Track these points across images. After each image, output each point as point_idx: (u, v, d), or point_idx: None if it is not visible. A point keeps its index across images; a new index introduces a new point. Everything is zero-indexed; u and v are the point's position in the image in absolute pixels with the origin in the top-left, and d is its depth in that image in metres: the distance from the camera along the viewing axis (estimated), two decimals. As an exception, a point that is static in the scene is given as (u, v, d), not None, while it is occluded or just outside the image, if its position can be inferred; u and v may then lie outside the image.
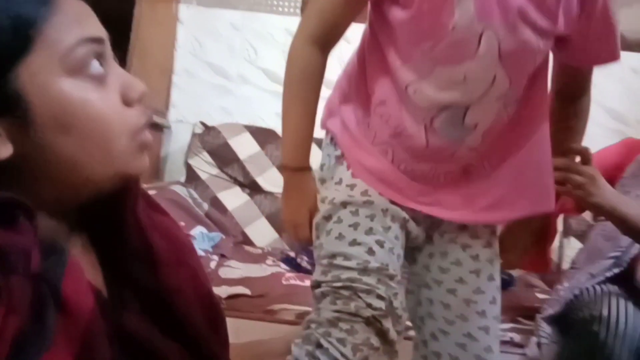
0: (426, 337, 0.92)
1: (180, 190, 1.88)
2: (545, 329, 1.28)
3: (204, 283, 0.58)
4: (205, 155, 2.04)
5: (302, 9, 2.26)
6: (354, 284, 0.81)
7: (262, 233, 1.95)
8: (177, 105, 2.28)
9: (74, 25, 0.46)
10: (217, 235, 1.77)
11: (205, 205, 1.89)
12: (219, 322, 0.58)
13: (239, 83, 2.27)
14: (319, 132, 0.94)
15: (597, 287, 1.17)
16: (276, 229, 1.96)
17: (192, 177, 2.02)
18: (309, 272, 1.66)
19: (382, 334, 0.80)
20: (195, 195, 1.91)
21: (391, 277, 0.83)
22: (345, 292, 0.81)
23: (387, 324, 0.80)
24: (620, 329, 1.08)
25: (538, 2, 0.77)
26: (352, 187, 0.88)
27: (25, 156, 0.44)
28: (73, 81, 0.45)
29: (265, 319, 1.26)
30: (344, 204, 0.87)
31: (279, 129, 2.15)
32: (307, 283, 1.51)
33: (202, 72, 2.27)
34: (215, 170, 2.04)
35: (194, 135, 2.12)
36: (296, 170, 0.91)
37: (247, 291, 1.37)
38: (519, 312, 1.45)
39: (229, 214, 1.96)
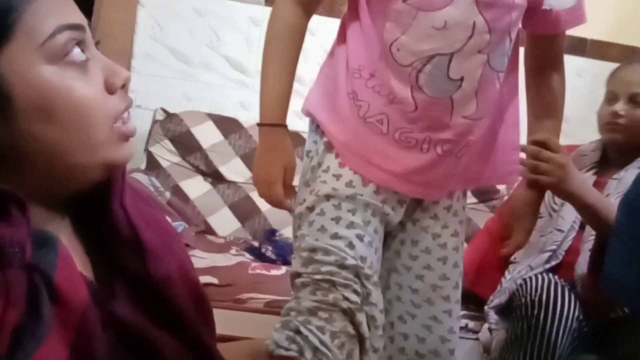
0: (393, 319, 0.98)
1: (142, 178, 1.85)
2: (493, 317, 1.37)
3: (191, 273, 0.59)
4: (167, 143, 2.01)
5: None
6: (332, 277, 0.85)
7: (224, 222, 1.95)
8: (137, 90, 2.21)
9: (52, 12, 0.46)
10: (180, 225, 1.75)
11: (167, 194, 1.87)
12: (206, 312, 0.59)
13: (200, 69, 2.24)
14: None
15: (539, 276, 1.27)
16: (239, 218, 1.96)
17: (152, 165, 1.99)
18: (273, 262, 1.68)
19: (356, 326, 0.85)
20: (157, 183, 1.88)
21: (367, 277, 0.87)
22: (325, 284, 0.85)
23: (361, 318, 0.85)
24: (557, 311, 1.18)
25: None
26: (338, 177, 0.91)
27: (9, 145, 0.44)
28: (54, 68, 0.45)
29: (235, 307, 1.27)
30: (328, 197, 0.89)
31: (242, 118, 2.17)
32: (273, 272, 1.54)
33: (162, 56, 2.22)
34: (177, 159, 2.01)
35: (154, 122, 2.08)
36: (273, 126, 0.92)
37: (214, 280, 1.38)
38: (470, 300, 1.53)
39: (191, 203, 1.94)
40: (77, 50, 0.46)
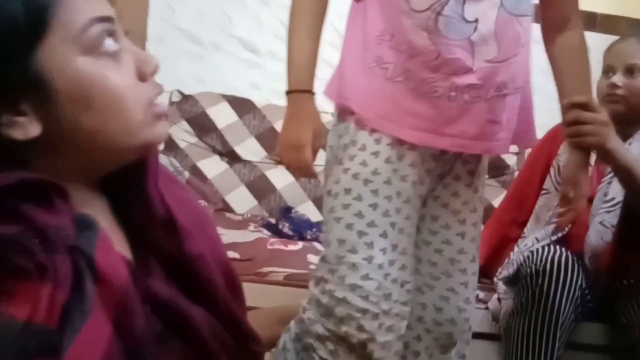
0: (411, 290, 1.00)
1: (162, 159, 1.89)
2: (501, 288, 1.43)
3: (222, 251, 0.62)
4: (184, 124, 2.06)
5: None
6: (351, 301, 0.88)
7: (242, 200, 2.01)
8: (151, 73, 2.25)
9: (84, 6, 0.49)
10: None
11: (186, 174, 1.93)
12: (237, 287, 0.63)
13: (212, 50, 2.27)
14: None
15: (545, 248, 1.32)
16: (255, 196, 2.02)
17: (170, 146, 2.04)
18: (290, 238, 1.75)
19: (365, 357, 0.89)
20: (177, 163, 1.93)
21: (402, 282, 0.92)
22: (341, 311, 0.88)
23: (373, 346, 0.89)
24: (560, 281, 1.24)
25: None
26: (376, 154, 0.92)
27: (52, 132, 0.48)
28: (89, 59, 0.48)
29: (256, 280, 1.34)
30: (366, 182, 0.91)
31: (255, 99, 2.20)
32: (290, 247, 1.61)
33: (174, 38, 2.25)
34: (193, 139, 2.06)
35: (171, 103, 2.12)
36: (301, 92, 0.95)
37: (236, 255, 1.44)
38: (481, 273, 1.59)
39: (209, 182, 2.00)
40: (109, 41, 0.49)
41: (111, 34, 0.50)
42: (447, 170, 0.99)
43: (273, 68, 2.28)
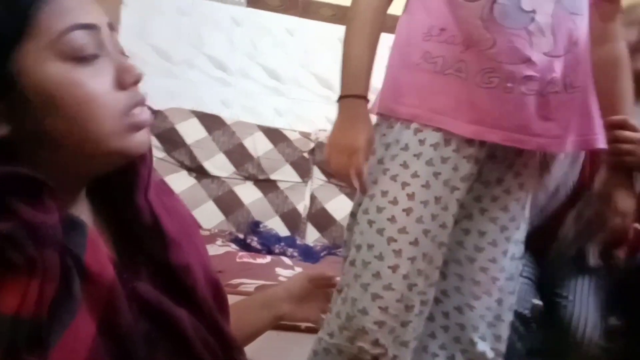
0: (449, 310, 0.98)
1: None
2: None
3: (208, 262, 0.63)
4: (153, 139, 2.07)
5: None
6: (369, 312, 0.88)
7: (209, 216, 2.02)
8: (121, 87, 2.26)
9: (66, 12, 0.49)
10: (168, 217, 1.81)
11: (155, 188, 1.93)
12: (223, 299, 0.64)
13: (183, 67, 2.30)
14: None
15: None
16: (223, 211, 2.04)
17: (138, 160, 2.04)
18: (258, 252, 1.77)
19: None
20: (145, 178, 1.94)
21: (422, 295, 0.91)
22: (358, 323, 0.89)
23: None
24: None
25: None
26: (418, 156, 0.90)
27: (25, 134, 0.49)
28: (64, 65, 0.48)
29: (228, 292, 1.35)
30: (404, 185, 0.89)
31: (224, 116, 2.24)
32: (259, 261, 1.64)
33: (146, 55, 2.27)
34: (162, 154, 2.07)
35: (140, 118, 2.13)
36: (357, 97, 0.91)
37: (205, 268, 1.45)
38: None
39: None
40: (87, 49, 0.49)
41: (92, 41, 0.50)
42: (495, 180, 0.96)
43: (243, 86, 2.34)
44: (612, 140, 0.99)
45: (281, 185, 2.14)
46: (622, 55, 1.00)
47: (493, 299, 0.97)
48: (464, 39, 0.88)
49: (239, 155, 2.13)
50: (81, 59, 0.49)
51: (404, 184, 0.90)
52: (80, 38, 0.49)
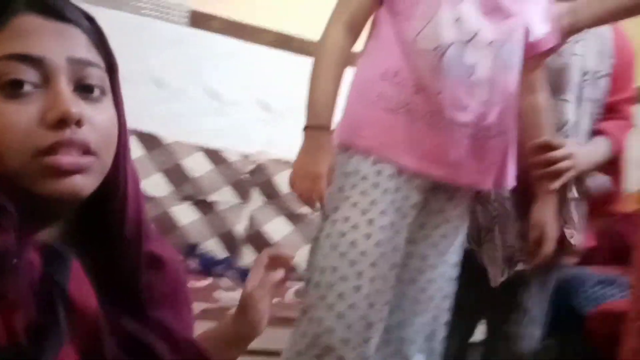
0: (391, 325, 1.06)
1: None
2: None
3: (191, 313, 0.63)
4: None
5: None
6: (336, 330, 0.95)
7: (146, 236, 1.97)
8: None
9: (12, 41, 0.48)
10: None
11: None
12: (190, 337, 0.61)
13: (123, 84, 2.22)
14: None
15: None
16: (159, 232, 1.99)
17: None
18: (198, 274, 1.76)
19: None
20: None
21: (380, 312, 0.99)
22: (325, 341, 0.95)
23: None
24: None
25: None
26: (376, 185, 0.99)
27: None
28: None
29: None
30: (364, 212, 0.98)
31: (162, 135, 2.20)
32: (199, 284, 1.62)
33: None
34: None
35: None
36: (321, 128, 1.00)
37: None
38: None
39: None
40: (16, 79, 0.48)
41: (30, 73, 0.48)
42: (437, 209, 1.07)
43: (183, 105, 2.32)
44: (548, 162, 1.09)
45: (219, 207, 2.13)
46: (544, 104, 1.14)
47: (430, 315, 1.08)
48: (414, 83, 0.99)
49: (177, 176, 2.10)
50: (7, 89, 0.47)
51: (364, 211, 0.99)
52: (9, 67, 0.47)
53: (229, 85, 2.37)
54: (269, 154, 2.31)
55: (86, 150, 0.50)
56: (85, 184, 0.51)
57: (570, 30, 1.07)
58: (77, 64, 0.51)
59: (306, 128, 1.02)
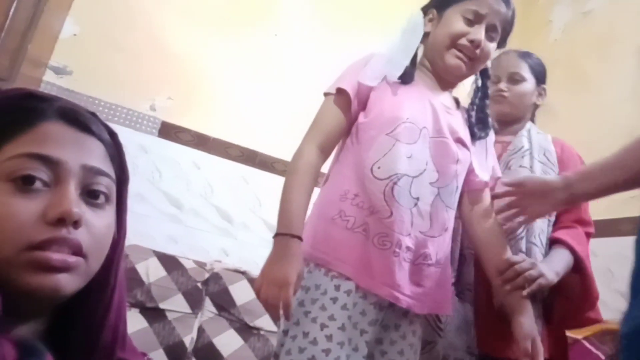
0: None
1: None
2: None
3: None
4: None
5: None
6: None
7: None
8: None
9: (35, 142, 0.53)
10: None
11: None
12: None
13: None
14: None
15: None
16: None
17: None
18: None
19: None
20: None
21: None
22: None
23: None
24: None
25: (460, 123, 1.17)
26: (334, 300, 1.04)
27: None
28: (1, 184, 0.51)
29: None
30: (322, 326, 1.02)
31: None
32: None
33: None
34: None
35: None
36: (291, 237, 1.03)
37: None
38: None
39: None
40: (27, 176, 0.51)
41: (44, 172, 0.52)
42: (393, 326, 1.11)
43: (140, 210, 2.33)
44: (515, 276, 1.14)
45: (169, 315, 2.07)
46: (499, 227, 1.22)
47: None
48: (369, 205, 1.09)
49: (128, 280, 2.06)
50: (18, 182, 0.51)
51: (323, 326, 1.02)
52: (26, 164, 0.51)
53: (189, 194, 2.43)
54: (224, 263, 2.31)
55: (77, 251, 0.53)
56: (69, 283, 0.52)
57: (567, 203, 1.11)
58: (89, 172, 0.56)
59: (277, 235, 1.05)
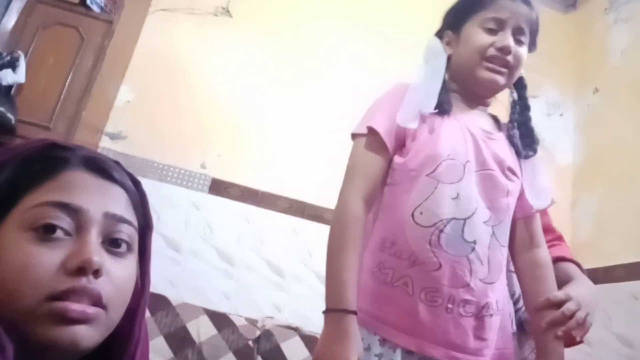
0: None
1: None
2: None
3: None
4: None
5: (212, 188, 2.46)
6: None
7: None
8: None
9: (58, 190, 0.52)
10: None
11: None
12: None
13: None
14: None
15: None
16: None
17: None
18: None
19: None
20: None
21: None
22: None
23: None
24: None
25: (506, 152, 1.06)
26: (379, 356, 0.94)
27: None
28: (22, 233, 0.50)
29: None
30: None
31: (170, 296, 2.17)
32: None
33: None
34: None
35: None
36: (345, 312, 0.91)
37: None
38: None
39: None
40: (49, 225, 0.50)
41: (65, 220, 0.51)
42: None
43: (193, 266, 2.34)
44: (564, 318, 0.98)
45: (221, 376, 2.01)
46: (546, 257, 1.09)
47: None
48: (409, 255, 0.97)
49: (179, 340, 2.03)
50: (40, 231, 0.50)
51: None
52: (47, 212, 0.51)
53: (241, 249, 2.42)
54: (276, 320, 2.24)
55: (96, 302, 0.51)
56: (88, 335, 0.50)
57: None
58: (112, 219, 0.54)
59: (328, 311, 0.93)
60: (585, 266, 1.24)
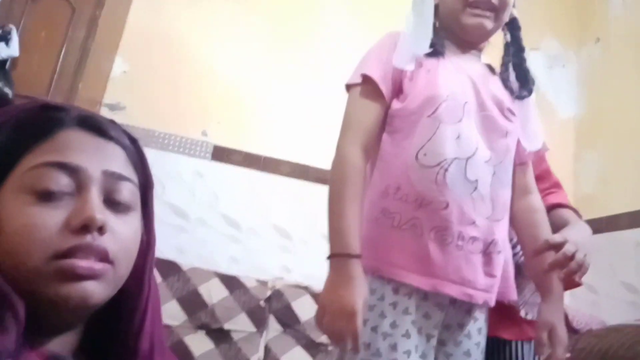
0: None
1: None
2: None
3: None
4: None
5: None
6: None
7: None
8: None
9: (55, 151, 0.52)
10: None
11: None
12: None
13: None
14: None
15: None
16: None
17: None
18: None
19: None
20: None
21: None
22: None
23: None
24: None
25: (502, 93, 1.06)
26: (394, 305, 0.94)
27: None
28: (23, 196, 0.50)
29: None
30: (385, 336, 0.93)
31: (180, 262, 2.21)
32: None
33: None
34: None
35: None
36: (349, 257, 0.90)
37: None
38: None
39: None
40: (49, 185, 0.50)
41: (65, 180, 0.51)
42: (456, 325, 1.00)
43: (200, 234, 2.37)
44: (565, 259, 0.98)
45: (234, 336, 2.07)
46: (539, 204, 1.11)
47: None
48: (416, 197, 0.97)
49: (192, 303, 2.08)
50: (40, 193, 0.50)
51: (385, 335, 0.93)
52: (46, 174, 0.51)
53: (247, 214, 2.44)
54: (286, 280, 2.29)
55: (103, 258, 0.51)
56: (97, 290, 0.51)
57: None
58: (111, 177, 0.54)
59: (332, 256, 0.92)
60: (589, 217, 1.26)
